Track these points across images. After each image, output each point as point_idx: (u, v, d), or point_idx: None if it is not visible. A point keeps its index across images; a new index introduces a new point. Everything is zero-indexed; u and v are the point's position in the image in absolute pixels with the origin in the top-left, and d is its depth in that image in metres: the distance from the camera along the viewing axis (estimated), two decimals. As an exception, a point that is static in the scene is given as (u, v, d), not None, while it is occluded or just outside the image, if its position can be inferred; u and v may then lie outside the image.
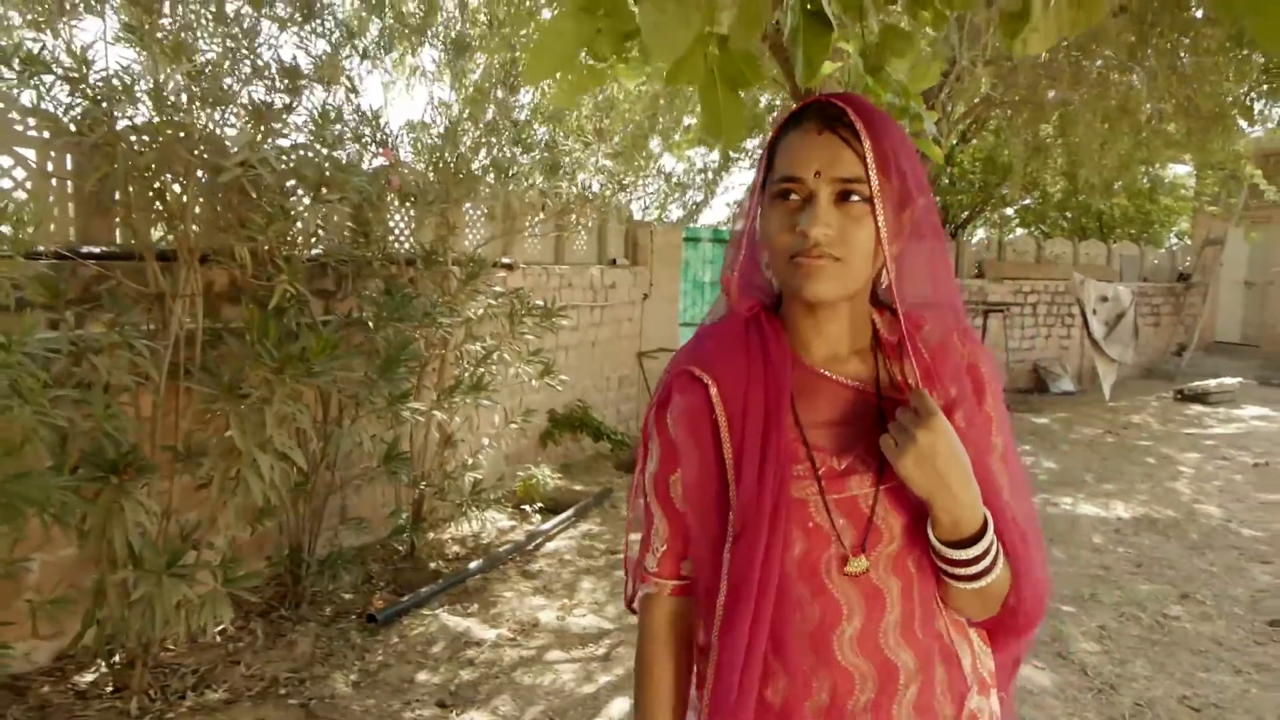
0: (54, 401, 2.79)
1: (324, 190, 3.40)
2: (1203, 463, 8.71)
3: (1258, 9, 1.13)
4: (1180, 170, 17.01)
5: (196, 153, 3.30)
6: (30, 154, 3.87)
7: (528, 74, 1.38)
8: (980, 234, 18.48)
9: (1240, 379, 13.37)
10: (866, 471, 1.19)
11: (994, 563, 1.16)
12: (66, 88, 3.56)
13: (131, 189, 3.49)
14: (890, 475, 1.18)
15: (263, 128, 3.42)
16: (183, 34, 3.54)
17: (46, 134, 3.87)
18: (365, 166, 4.28)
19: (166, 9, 3.50)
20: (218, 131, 3.53)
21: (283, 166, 3.32)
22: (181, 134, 3.25)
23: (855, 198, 1.14)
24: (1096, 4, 1.29)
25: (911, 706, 1.20)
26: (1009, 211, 18.85)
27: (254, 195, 3.29)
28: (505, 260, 6.20)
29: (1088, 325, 11.54)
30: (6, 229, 2.72)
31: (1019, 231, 19.00)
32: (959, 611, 1.26)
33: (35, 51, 3.48)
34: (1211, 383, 12.76)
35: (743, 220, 1.28)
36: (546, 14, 6.64)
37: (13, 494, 2.69)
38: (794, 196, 1.16)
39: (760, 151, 1.25)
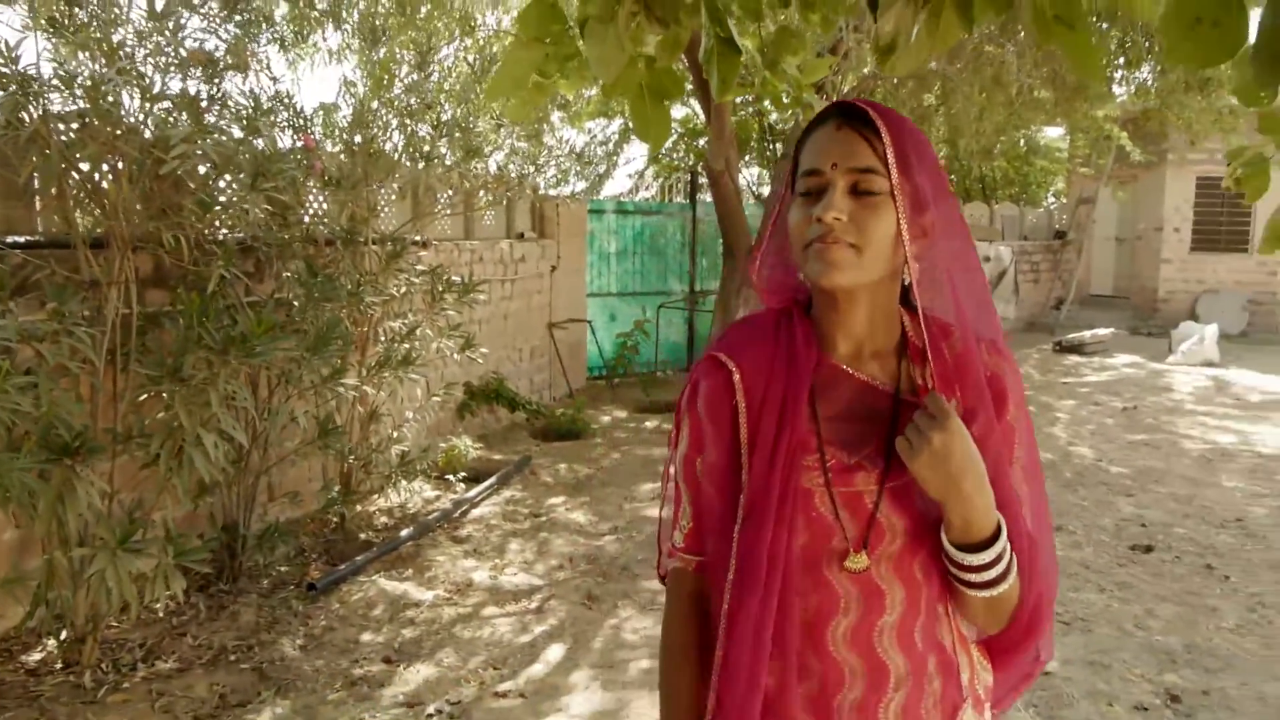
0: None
1: (260, 179, 3.56)
2: (1077, 409, 9.41)
3: (1065, 41, 1.46)
4: (1054, 134, 17.90)
5: (133, 145, 3.42)
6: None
7: (489, 93, 1.63)
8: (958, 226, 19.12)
9: (1113, 329, 14.30)
10: (874, 469, 1.22)
11: (1006, 571, 1.17)
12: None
13: (67, 180, 3.58)
14: (896, 475, 1.20)
15: (194, 118, 3.55)
16: (105, 27, 3.64)
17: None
18: (283, 149, 4.41)
19: (93, 3, 3.60)
20: (148, 122, 3.64)
21: (216, 158, 3.46)
22: (119, 129, 3.36)
23: (870, 189, 1.18)
24: (949, 33, 1.61)
25: (900, 710, 1.22)
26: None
27: (191, 185, 3.43)
28: (417, 238, 6.37)
29: (972, 284, 12.21)
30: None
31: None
32: (970, 620, 1.27)
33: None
34: (1087, 334, 13.63)
35: (769, 221, 1.32)
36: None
37: (-22, 477, 2.83)
38: (813, 192, 1.20)
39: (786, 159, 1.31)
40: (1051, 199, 20.57)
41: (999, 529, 1.17)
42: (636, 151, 15.86)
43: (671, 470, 1.42)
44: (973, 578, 1.17)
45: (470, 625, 4.20)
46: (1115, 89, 9.45)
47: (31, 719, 3.35)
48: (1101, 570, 4.83)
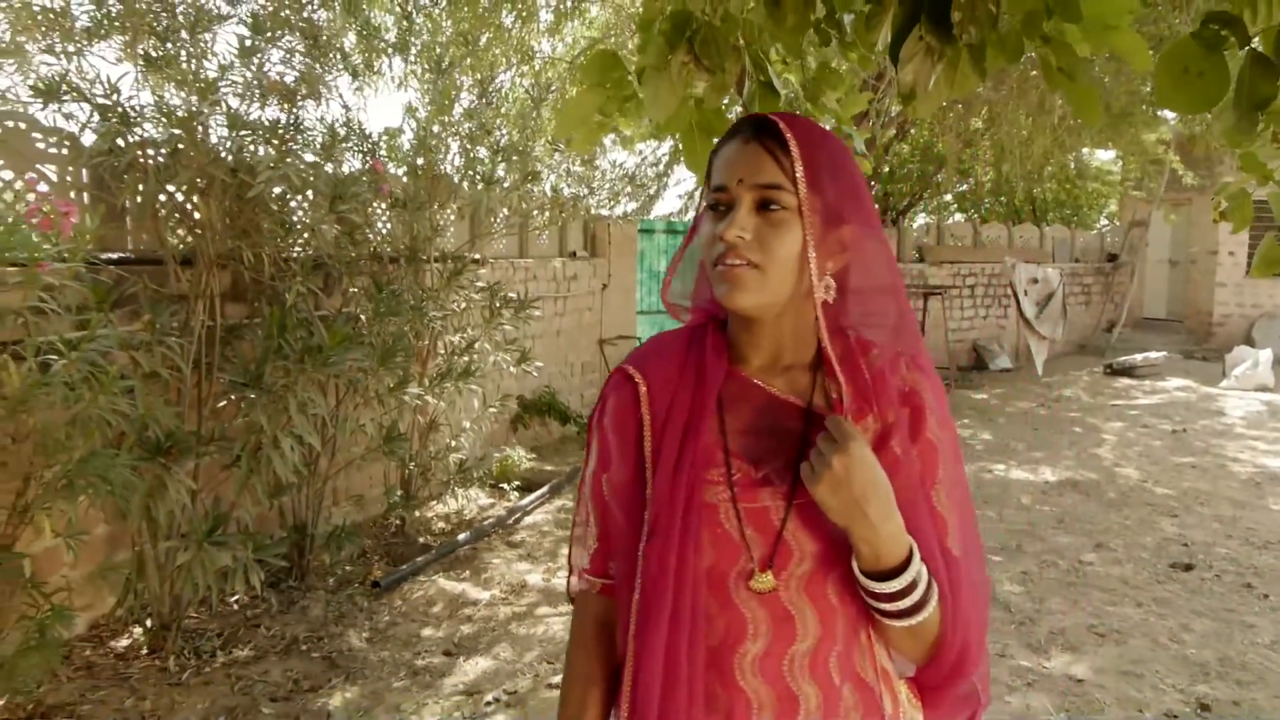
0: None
1: (337, 201, 3.84)
2: (1125, 430, 9.42)
3: (1067, 89, 1.66)
4: (1106, 156, 17.84)
5: (221, 170, 3.72)
6: (51, 170, 4.26)
7: (557, 130, 1.86)
8: (921, 219, 19.24)
9: (1165, 353, 14.19)
10: (781, 484, 1.17)
11: (924, 599, 1.12)
12: (87, 109, 3.97)
13: (159, 202, 3.89)
14: (804, 491, 1.14)
15: (278, 145, 3.84)
16: (197, 61, 3.96)
17: (65, 151, 4.28)
18: (355, 173, 4.70)
19: (184, 37, 3.91)
20: (234, 149, 3.94)
21: (298, 182, 3.75)
22: (210, 156, 3.66)
23: (776, 205, 1.14)
24: (965, 81, 1.81)
25: None
26: (947, 197, 19.61)
27: (271, 206, 3.72)
28: (475, 256, 6.65)
29: (1020, 306, 12.25)
30: (42, 242, 3.13)
31: (957, 216, 19.78)
32: (895, 650, 1.22)
33: (58, 78, 3.88)
34: (1138, 357, 13.54)
35: (687, 237, 1.31)
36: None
37: (86, 472, 3.12)
38: (721, 207, 1.18)
39: None
40: (1104, 221, 20.44)
41: (910, 555, 1.12)
42: (686, 173, 16.11)
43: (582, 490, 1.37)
44: (886, 606, 1.13)
45: (525, 623, 4.42)
46: (1154, 119, 9.50)
47: (123, 698, 3.62)
48: (1140, 586, 4.92)
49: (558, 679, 3.86)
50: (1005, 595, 4.75)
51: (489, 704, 3.64)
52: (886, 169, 15.78)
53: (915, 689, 1.27)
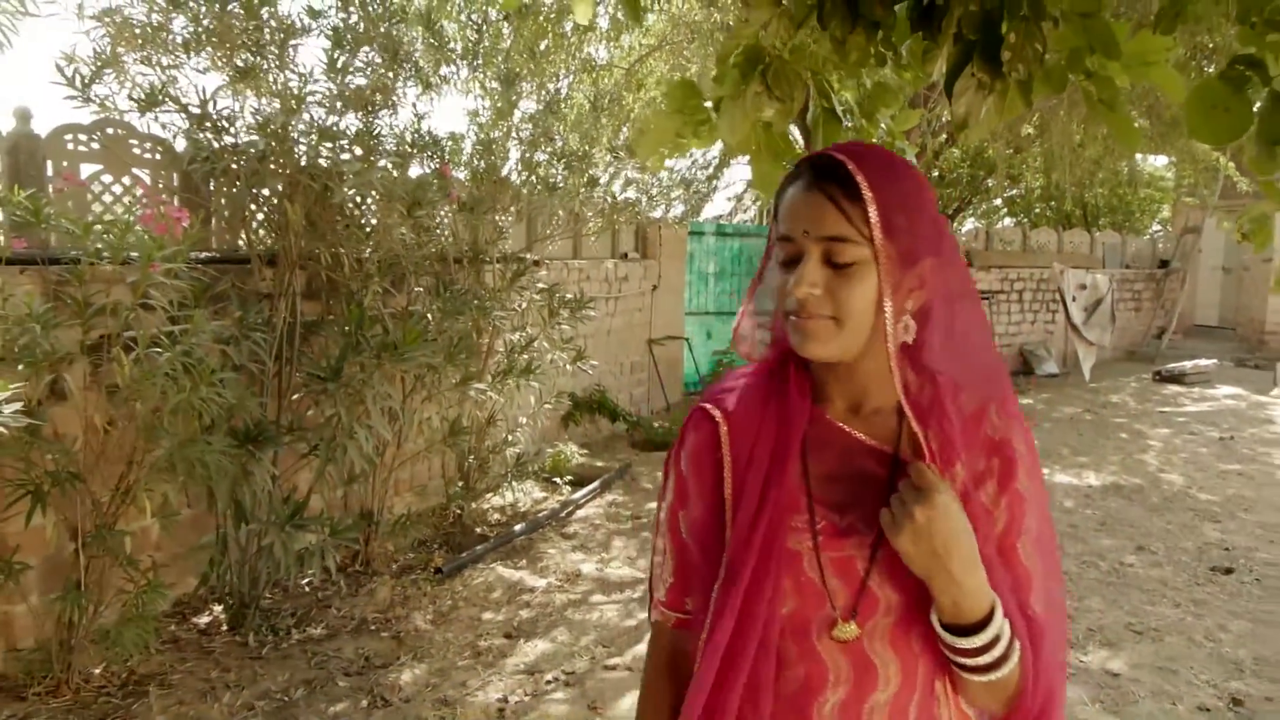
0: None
1: (415, 206, 4.08)
2: (1172, 437, 9.43)
3: (1107, 118, 1.82)
4: (1160, 162, 17.70)
5: (309, 177, 3.97)
6: (145, 174, 4.55)
7: (640, 152, 2.06)
8: (970, 224, 19.22)
9: (1216, 360, 14.09)
10: (868, 533, 1.15)
11: (1006, 654, 1.09)
12: (180, 117, 4.25)
13: (252, 206, 4.15)
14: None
15: (364, 152, 4.09)
16: (283, 72, 4.22)
17: (159, 156, 4.57)
18: (427, 178, 4.94)
19: (273, 50, 4.17)
20: (315, 156, 4.20)
21: (380, 188, 4.00)
22: (303, 162, 3.92)
23: (845, 259, 1.11)
24: (1013, 108, 1.98)
25: None
26: (997, 202, 19.56)
27: (357, 211, 3.96)
28: (532, 257, 6.88)
29: (1068, 311, 12.26)
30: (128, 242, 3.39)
31: (1007, 221, 19.72)
32: (970, 702, 1.20)
33: (156, 88, 4.16)
34: (1188, 364, 13.47)
35: (759, 274, 1.29)
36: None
37: (186, 456, 3.38)
38: (790, 258, 1.15)
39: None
40: (1157, 227, 20.27)
41: (992, 610, 1.10)
42: (734, 176, 16.28)
43: (658, 523, 1.37)
44: (967, 661, 1.10)
45: (580, 609, 4.63)
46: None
47: (208, 670, 3.89)
48: (1179, 588, 5.02)
49: (613, 660, 4.07)
50: (1046, 594, 4.87)
51: (549, 682, 3.85)
52: (936, 173, 15.83)
53: None
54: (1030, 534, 1.18)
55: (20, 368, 3.08)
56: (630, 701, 3.74)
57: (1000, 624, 1.09)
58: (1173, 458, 8.48)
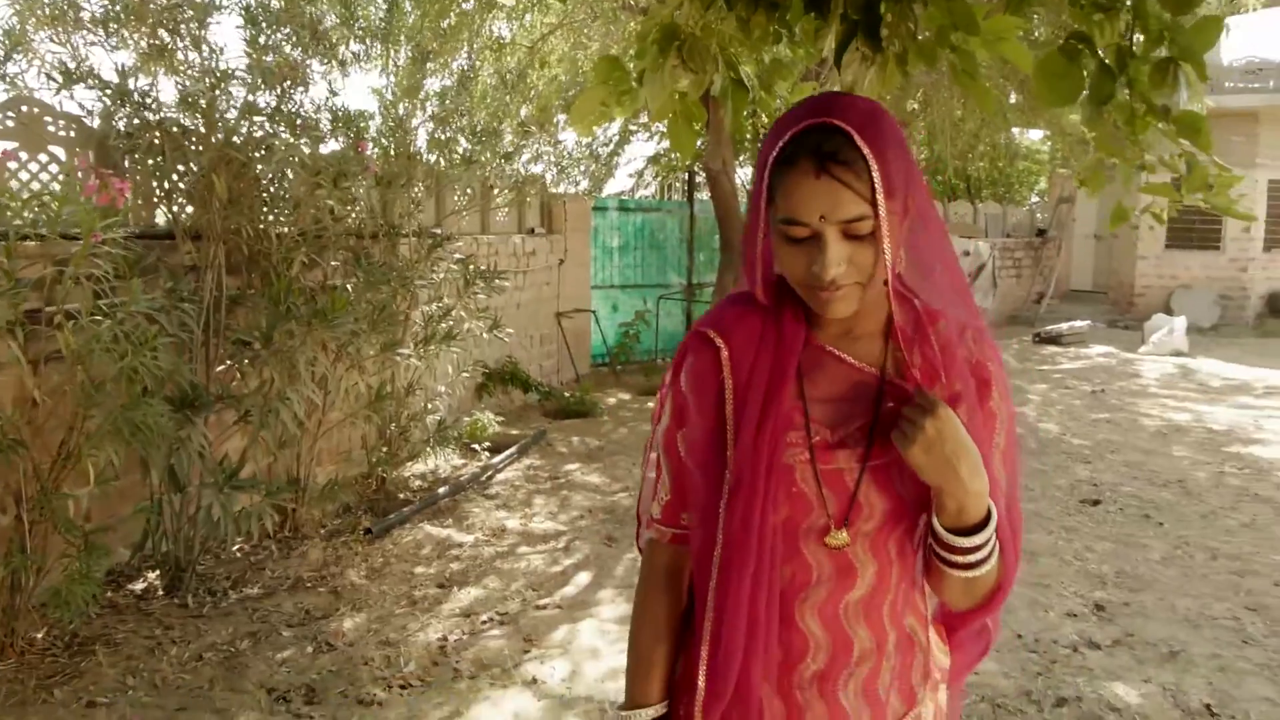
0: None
1: (340, 179, 4.25)
2: (1049, 391, 10.12)
3: (968, 86, 2.16)
4: (1035, 136, 18.64)
5: (238, 152, 4.11)
6: (60, 151, 4.59)
7: (572, 119, 2.32)
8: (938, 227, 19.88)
9: (1090, 322, 15.01)
10: (856, 447, 1.24)
11: (991, 553, 1.21)
12: (96, 95, 4.33)
13: (178, 181, 4.27)
14: (878, 454, 1.24)
15: (290, 128, 4.24)
16: (203, 50, 4.33)
17: (73, 134, 4.62)
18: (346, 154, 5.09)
19: (193, 28, 4.28)
20: (232, 131, 4.33)
21: (309, 162, 4.16)
22: (232, 139, 4.05)
23: (863, 231, 1.16)
24: (892, 78, 2.30)
25: (860, 687, 1.26)
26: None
27: (274, 186, 4.12)
28: (448, 232, 7.06)
29: (953, 277, 12.94)
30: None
31: (896, 194, 20.49)
32: (944, 597, 1.31)
33: (74, 66, 4.23)
34: (1064, 326, 14.33)
35: (749, 208, 1.31)
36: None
37: (129, 420, 3.51)
38: (798, 238, 1.19)
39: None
40: (1034, 198, 21.33)
41: (989, 513, 1.20)
42: (636, 152, 16.55)
43: (652, 444, 1.45)
44: (960, 559, 1.21)
45: (508, 560, 4.89)
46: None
47: (151, 629, 4.03)
48: (1052, 518, 5.55)
49: (544, 601, 4.35)
50: (936, 529, 5.33)
51: (484, 622, 4.11)
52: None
53: (942, 632, 1.39)
54: (999, 448, 1.30)
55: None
56: (562, 635, 4.03)
57: (994, 526, 1.21)
58: (1049, 409, 9.13)
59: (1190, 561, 4.86)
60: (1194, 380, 10.95)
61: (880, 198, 1.15)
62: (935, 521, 1.22)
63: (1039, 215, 18.29)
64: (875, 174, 1.15)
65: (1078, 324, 14.43)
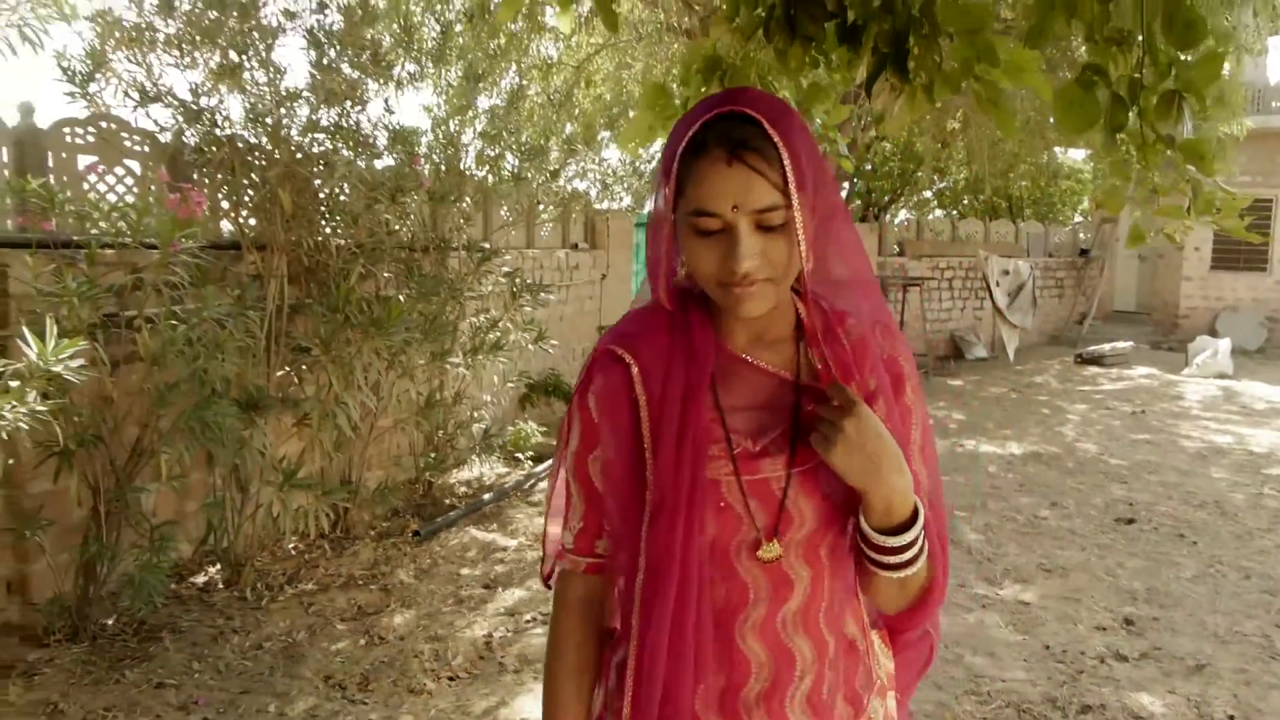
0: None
1: (398, 194, 4.48)
2: (1089, 412, 10.13)
3: (992, 112, 2.31)
4: (1078, 155, 18.60)
5: (303, 168, 4.34)
6: (135, 165, 4.87)
7: (621, 141, 2.50)
8: (903, 215, 19.98)
9: (1133, 343, 14.94)
10: (780, 454, 1.20)
11: (920, 551, 1.18)
12: (169, 112, 4.59)
13: (247, 195, 4.51)
14: (803, 459, 1.20)
15: (352, 146, 4.48)
16: (271, 70, 4.58)
17: (147, 149, 4.89)
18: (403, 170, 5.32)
19: (260, 50, 4.53)
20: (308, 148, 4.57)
21: (370, 178, 4.39)
22: (297, 155, 4.29)
23: (774, 222, 1.13)
24: (920, 106, 2.46)
25: (805, 699, 1.22)
26: (927, 194, 20.36)
27: (347, 200, 4.35)
28: (497, 246, 7.29)
29: (992, 296, 12.98)
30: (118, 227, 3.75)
31: (938, 213, 20.53)
32: (877, 600, 1.28)
33: (151, 85, 4.50)
34: (1106, 346, 14.29)
35: (654, 205, 1.24)
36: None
37: (200, 419, 3.74)
38: (710, 230, 1.14)
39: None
40: (1077, 218, 21.23)
41: (916, 510, 1.17)
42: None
43: (560, 470, 1.38)
44: (890, 559, 1.17)
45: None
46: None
47: (214, 619, 4.25)
48: (1086, 535, 5.62)
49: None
50: (968, 541, 5.43)
51: (528, 621, 4.28)
52: (869, 166, 16.49)
53: (885, 635, 1.36)
54: (916, 444, 1.28)
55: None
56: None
57: (922, 523, 1.18)
58: (1088, 429, 9.15)
59: (1222, 580, 4.91)
60: (1237, 402, 10.89)
61: (793, 188, 1.12)
62: (863, 523, 1.18)
63: (1082, 235, 18.21)
64: (787, 163, 1.11)
65: (1120, 345, 14.38)
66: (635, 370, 1.24)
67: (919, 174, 16.74)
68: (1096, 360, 14.04)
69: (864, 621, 1.31)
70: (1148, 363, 14.06)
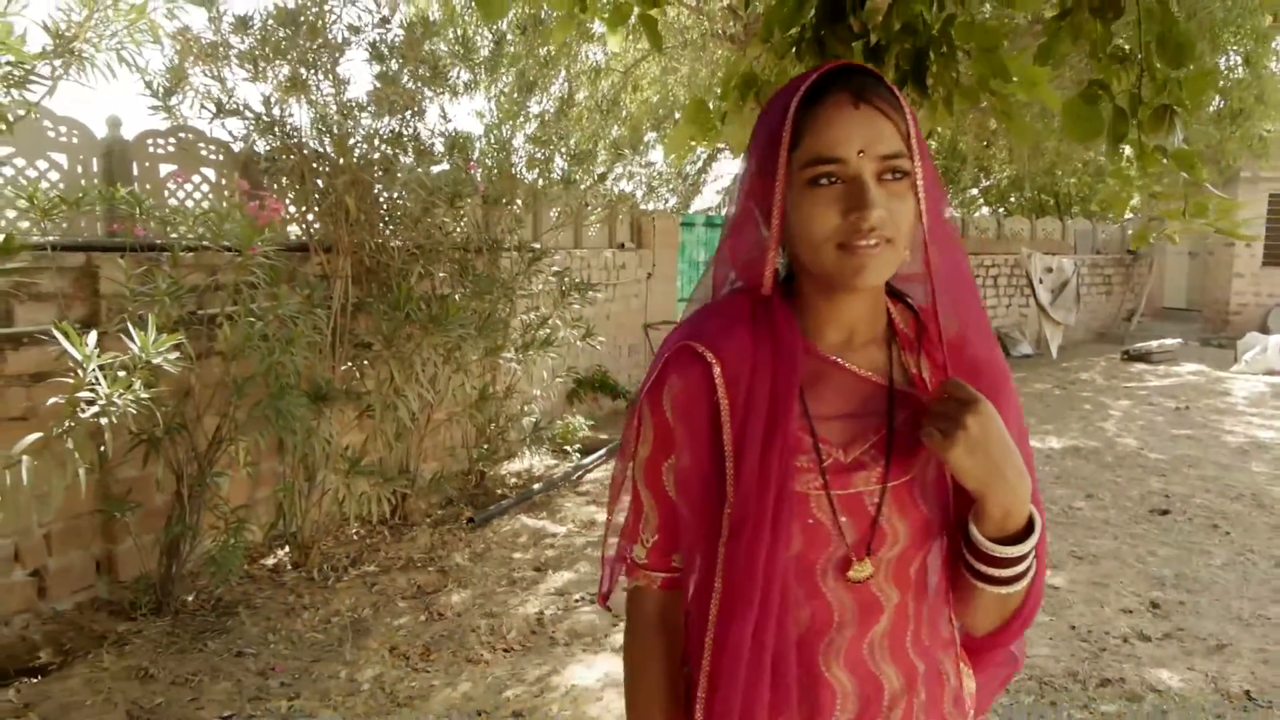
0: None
1: (457, 199, 4.76)
2: (1132, 408, 10.17)
3: (1008, 122, 2.52)
4: (1126, 152, 18.48)
5: (368, 174, 4.64)
6: (210, 173, 5.20)
7: (666, 150, 2.71)
8: (949, 213, 19.94)
9: (1182, 340, 14.86)
10: (874, 466, 1.11)
11: (1032, 564, 1.09)
12: (242, 123, 4.91)
13: (314, 200, 4.82)
14: (898, 472, 1.11)
15: (416, 154, 4.77)
16: (336, 83, 4.88)
17: (221, 157, 5.22)
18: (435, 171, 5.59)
19: (325, 63, 4.83)
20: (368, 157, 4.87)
21: (429, 183, 4.67)
22: (361, 162, 4.59)
23: (898, 174, 1.05)
24: (941, 118, 2.66)
25: None
26: (973, 192, 20.33)
27: (408, 204, 4.64)
28: (547, 246, 7.57)
29: (1035, 293, 13.03)
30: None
31: (983, 210, 20.49)
32: (971, 619, 1.19)
33: (225, 98, 4.81)
34: (1154, 343, 14.23)
35: (733, 205, 1.19)
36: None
37: (275, 408, 4.04)
38: (834, 179, 1.05)
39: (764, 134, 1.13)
40: (1127, 215, 21.04)
41: (1033, 518, 1.09)
42: (722, 170, 16.95)
43: (623, 479, 1.29)
44: (1000, 572, 1.09)
45: (598, 549, 5.29)
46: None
47: (285, 596, 4.55)
48: (1119, 525, 5.75)
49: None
50: (1003, 532, 5.58)
51: (577, 600, 4.54)
52: (913, 165, 16.54)
53: (965, 655, 1.26)
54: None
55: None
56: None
57: (1039, 531, 1.09)
58: (1130, 425, 9.21)
59: (1252, 569, 5.03)
60: (1284, 399, 10.86)
61: (914, 141, 1.07)
62: (974, 531, 1.09)
63: (1130, 232, 18.08)
64: (908, 114, 1.07)
65: (1168, 342, 14.31)
66: (718, 370, 1.13)
67: (963, 172, 16.76)
68: (1144, 357, 13.99)
69: (951, 642, 1.23)
70: (1196, 360, 13.98)
